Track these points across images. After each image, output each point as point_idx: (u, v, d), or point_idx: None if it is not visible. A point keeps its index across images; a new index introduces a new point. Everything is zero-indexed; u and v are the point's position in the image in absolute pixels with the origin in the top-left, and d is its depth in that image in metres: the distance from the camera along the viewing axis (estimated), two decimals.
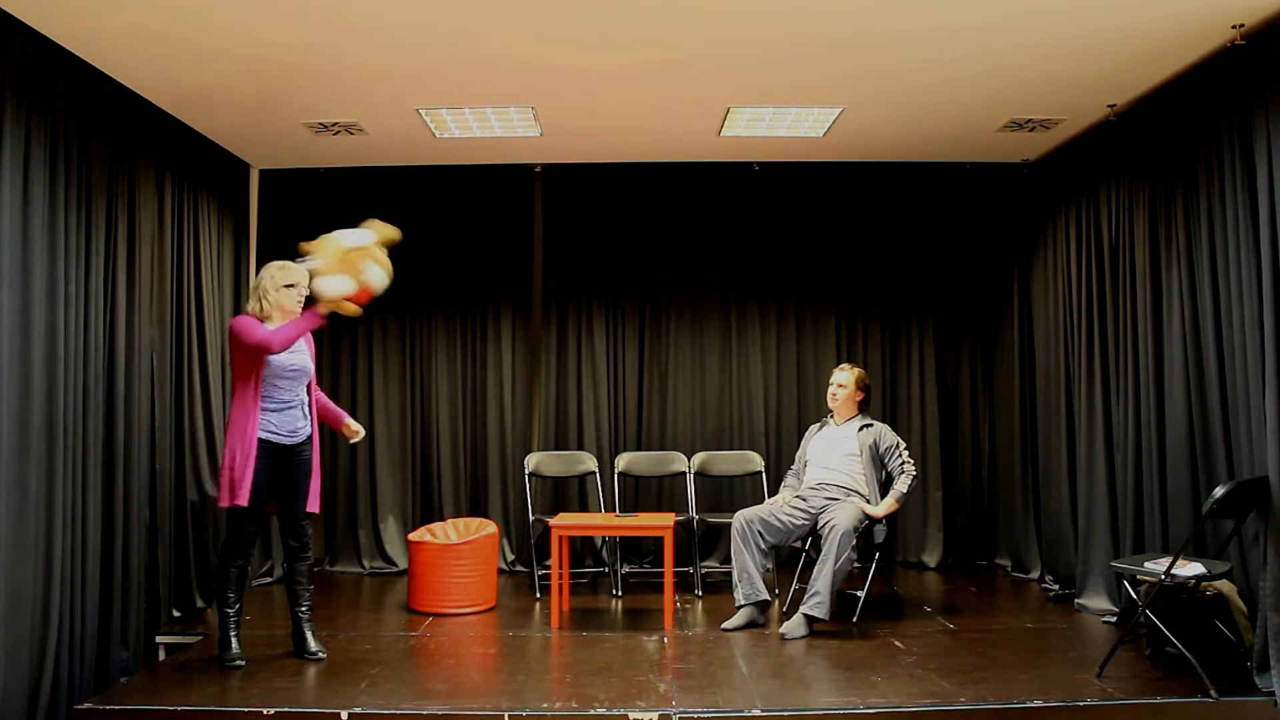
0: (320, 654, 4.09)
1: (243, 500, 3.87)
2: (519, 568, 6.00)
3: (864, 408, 5.00)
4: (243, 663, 3.96)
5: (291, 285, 4.04)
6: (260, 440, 3.94)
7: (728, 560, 4.84)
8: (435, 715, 3.40)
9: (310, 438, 4.13)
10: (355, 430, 4.36)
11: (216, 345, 5.12)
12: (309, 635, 4.13)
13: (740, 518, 4.68)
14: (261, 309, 4.03)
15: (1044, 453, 5.51)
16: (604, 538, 5.88)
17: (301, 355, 4.10)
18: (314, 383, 4.24)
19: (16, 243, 3.49)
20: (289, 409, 4.04)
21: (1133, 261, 4.61)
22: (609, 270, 6.14)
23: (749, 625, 4.55)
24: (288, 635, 4.29)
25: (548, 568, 5.18)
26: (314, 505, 4.15)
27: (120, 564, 4.14)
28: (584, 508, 6.01)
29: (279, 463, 4.03)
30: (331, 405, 4.40)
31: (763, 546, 4.66)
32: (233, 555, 4.02)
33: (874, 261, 6.16)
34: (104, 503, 4.06)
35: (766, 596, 4.63)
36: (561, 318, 6.14)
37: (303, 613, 4.15)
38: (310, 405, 4.16)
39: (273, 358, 3.95)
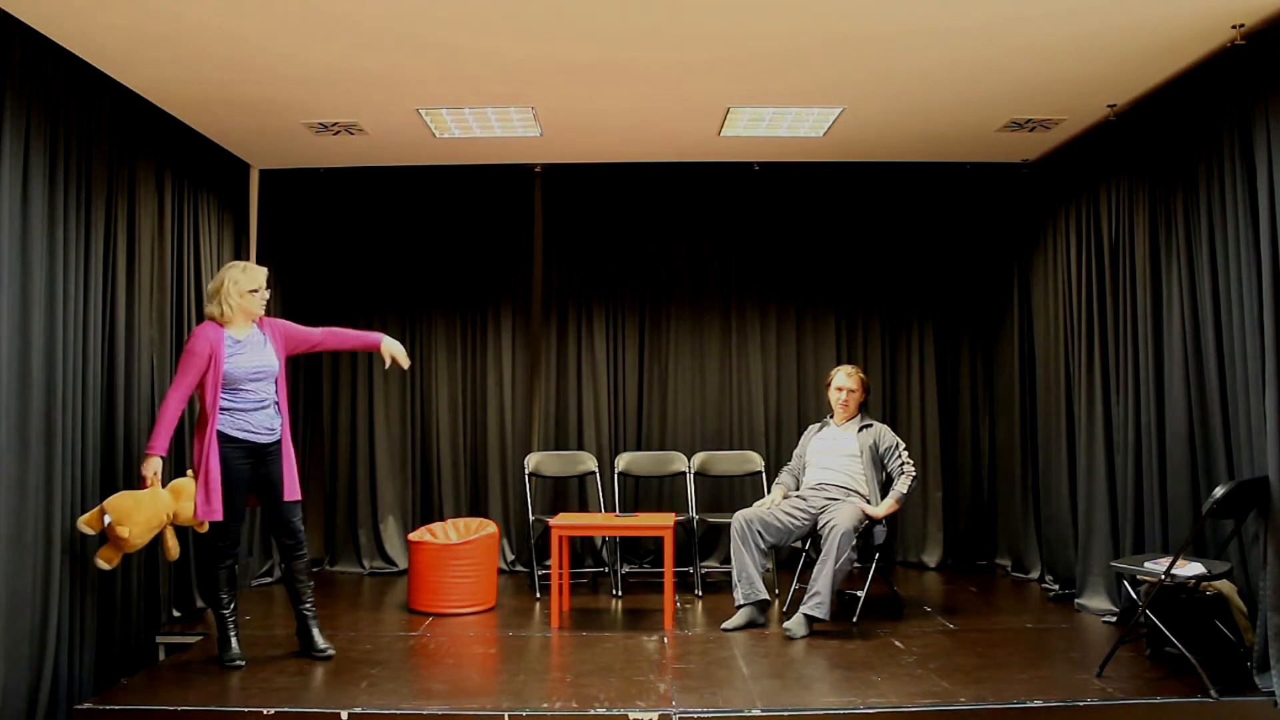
0: (329, 651, 4.09)
1: (217, 515, 3.87)
2: (519, 568, 5.99)
3: (864, 408, 5.01)
4: (243, 663, 3.96)
5: (255, 290, 4.00)
6: (237, 439, 3.93)
7: (728, 560, 4.84)
8: (435, 715, 3.40)
9: (284, 433, 4.11)
10: (399, 358, 4.27)
11: None
12: (315, 633, 4.13)
13: (740, 518, 4.68)
14: (222, 313, 3.98)
15: (1044, 453, 5.51)
16: (604, 538, 5.88)
17: (260, 353, 4.02)
18: (316, 338, 4.23)
19: (16, 243, 3.49)
20: (262, 408, 4.01)
21: (1133, 261, 4.61)
22: (609, 270, 6.14)
23: (749, 625, 4.55)
24: (288, 635, 4.29)
25: (548, 568, 5.18)
26: (296, 493, 4.10)
27: (120, 564, 4.13)
28: (584, 508, 6.00)
29: (258, 461, 4.01)
30: (349, 333, 4.35)
31: (762, 546, 4.66)
32: (220, 557, 4.02)
33: (874, 261, 6.16)
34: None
35: (766, 596, 4.63)
36: (561, 318, 6.14)
37: (307, 610, 4.14)
38: (281, 404, 4.10)
39: (231, 368, 3.91)
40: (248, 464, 3.97)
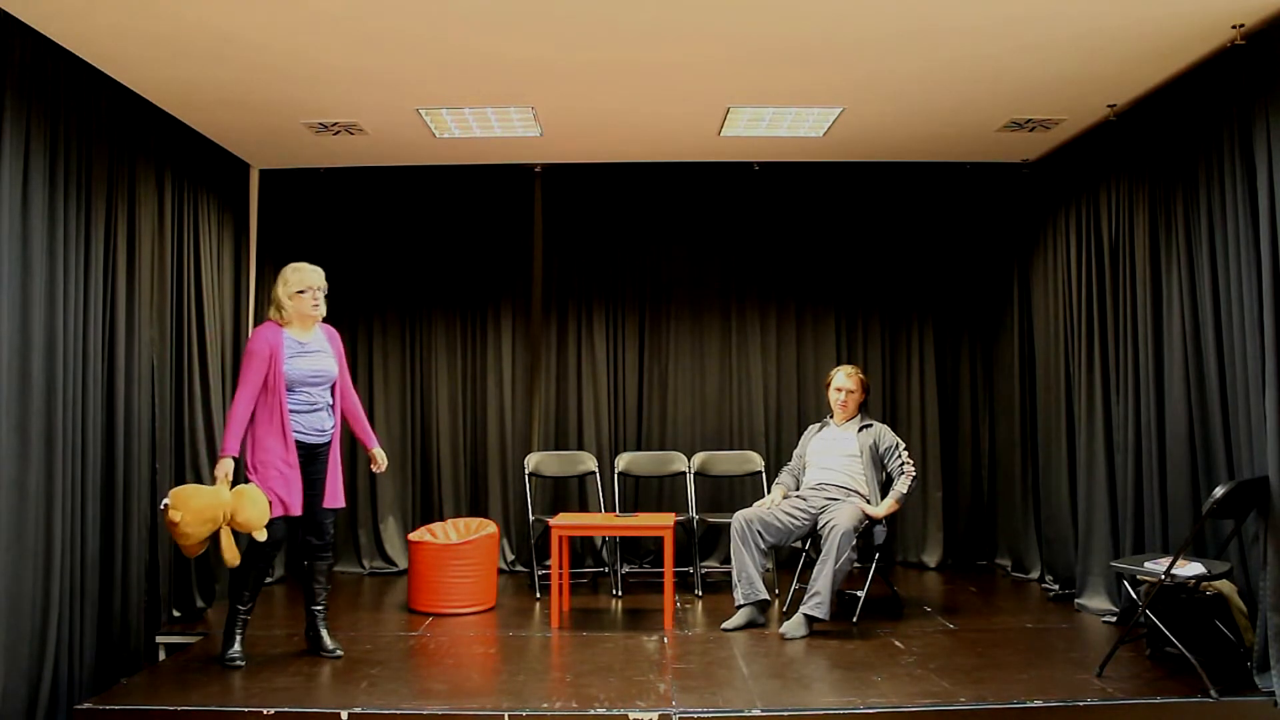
0: (338, 652, 4.09)
1: (296, 509, 3.90)
2: (519, 568, 6.00)
3: (864, 408, 5.02)
4: (243, 663, 3.95)
5: (302, 291, 4.02)
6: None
7: (728, 560, 4.84)
8: (435, 715, 3.40)
9: (334, 436, 4.14)
10: (380, 462, 4.36)
11: (217, 345, 5.11)
12: (325, 634, 4.13)
13: (740, 518, 4.68)
14: (282, 317, 4.04)
15: (1044, 453, 5.50)
16: (604, 538, 5.88)
17: (320, 358, 4.07)
18: (346, 387, 4.21)
19: (16, 243, 3.49)
20: (316, 410, 4.05)
21: (1133, 261, 4.61)
22: (609, 270, 6.14)
23: (749, 625, 4.55)
24: (288, 635, 4.29)
25: (548, 568, 5.18)
26: (339, 500, 4.14)
27: (120, 564, 4.15)
28: (584, 508, 6.01)
29: (306, 461, 4.04)
30: (363, 420, 4.35)
31: (762, 546, 4.66)
32: (262, 556, 4.02)
33: (874, 261, 6.16)
34: (104, 503, 4.06)
35: (766, 596, 4.63)
36: (561, 318, 6.14)
37: (318, 610, 4.15)
38: (334, 406, 4.14)
39: (290, 369, 3.95)
40: (300, 462, 4.00)
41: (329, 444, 4.11)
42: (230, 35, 3.82)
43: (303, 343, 4.03)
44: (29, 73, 3.59)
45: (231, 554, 3.83)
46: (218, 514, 3.75)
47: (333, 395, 4.14)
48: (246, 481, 3.90)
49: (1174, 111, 4.32)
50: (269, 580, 5.59)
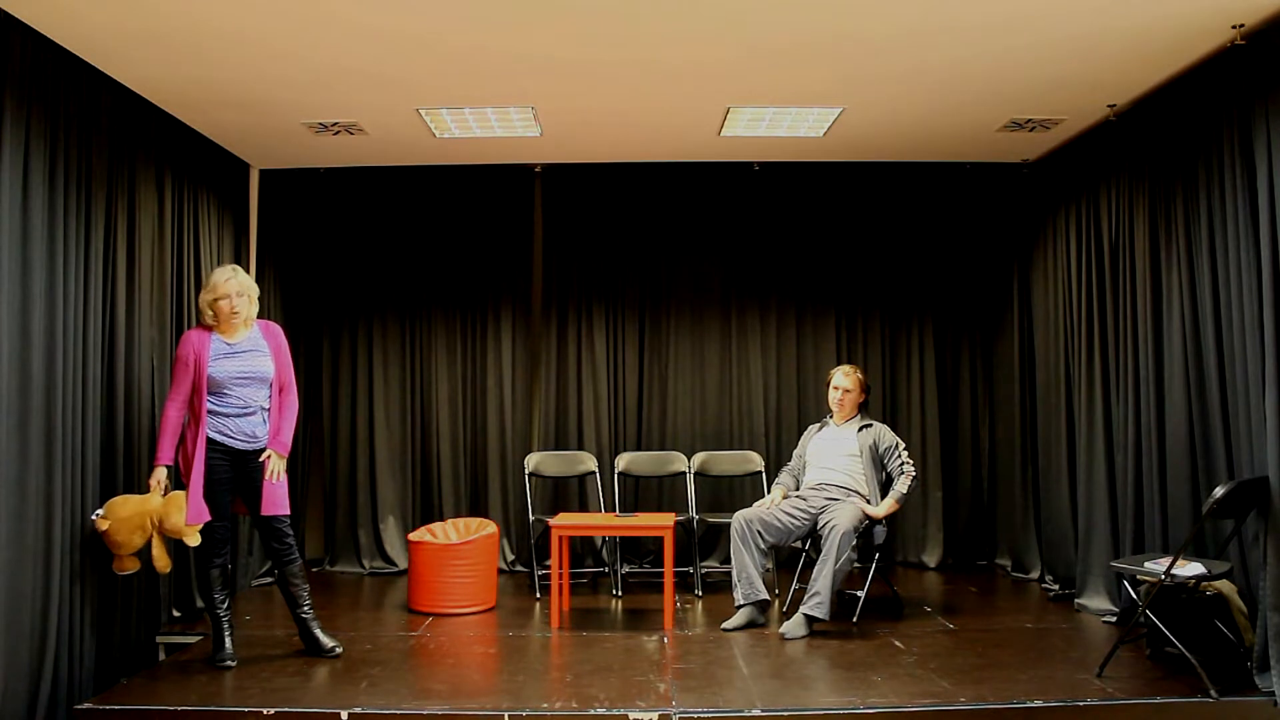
0: (337, 649, 4.10)
1: (203, 516, 3.90)
2: (519, 568, 6.00)
3: (864, 408, 5.02)
4: (233, 663, 3.96)
5: (218, 300, 3.98)
6: (216, 442, 3.95)
7: (728, 560, 4.84)
8: (435, 715, 3.40)
9: (269, 444, 4.07)
10: (269, 468, 4.00)
11: None
12: (319, 635, 4.12)
13: (740, 518, 4.68)
14: (204, 321, 4.04)
15: (1044, 453, 5.50)
16: (604, 538, 5.88)
17: (252, 358, 4.01)
18: (284, 383, 4.11)
19: (16, 243, 3.49)
20: (246, 415, 4.01)
21: (1133, 261, 4.61)
22: (609, 270, 6.14)
23: (749, 625, 4.55)
24: (288, 635, 4.29)
25: (548, 568, 5.18)
26: (283, 508, 4.05)
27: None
28: (584, 508, 6.00)
29: (241, 467, 4.01)
30: (284, 416, 4.10)
31: (762, 546, 4.66)
32: (209, 556, 4.03)
33: (874, 261, 6.16)
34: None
35: (766, 596, 4.63)
36: (561, 318, 6.14)
37: (305, 614, 4.14)
38: (275, 412, 4.09)
39: (215, 371, 3.93)
40: (226, 464, 3.98)
41: (263, 452, 4.02)
42: (230, 35, 3.81)
43: (231, 344, 4.00)
44: (29, 73, 3.59)
45: (163, 562, 3.90)
46: (145, 520, 3.83)
47: (276, 398, 4.08)
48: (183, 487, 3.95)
49: (1174, 112, 4.32)
50: (268, 581, 5.59)
